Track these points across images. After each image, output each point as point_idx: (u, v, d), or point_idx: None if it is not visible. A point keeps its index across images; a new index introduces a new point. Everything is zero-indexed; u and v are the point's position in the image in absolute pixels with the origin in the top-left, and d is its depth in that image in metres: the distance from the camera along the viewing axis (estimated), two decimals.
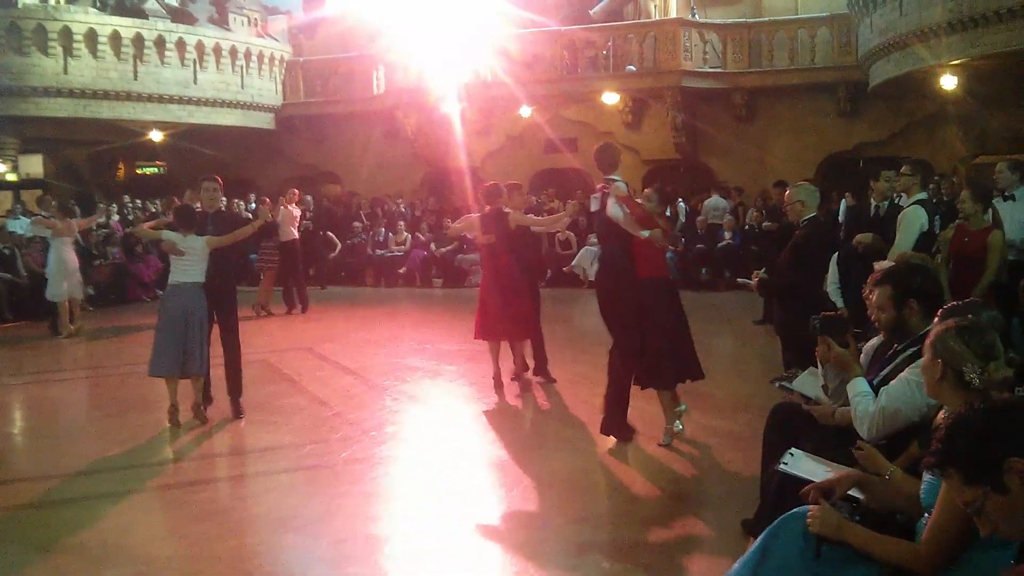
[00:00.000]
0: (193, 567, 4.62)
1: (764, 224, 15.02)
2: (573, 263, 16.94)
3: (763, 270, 6.87)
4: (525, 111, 18.76)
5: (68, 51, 16.95)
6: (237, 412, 7.56)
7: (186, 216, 7.50)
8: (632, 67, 17.89)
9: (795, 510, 3.03)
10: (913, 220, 6.64)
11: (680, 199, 17.69)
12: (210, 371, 7.59)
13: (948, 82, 14.45)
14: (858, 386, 3.65)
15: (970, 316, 3.22)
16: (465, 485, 5.90)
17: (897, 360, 3.77)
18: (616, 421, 6.59)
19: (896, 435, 3.54)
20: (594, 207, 7.09)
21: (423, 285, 17.95)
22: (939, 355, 2.91)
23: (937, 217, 7.21)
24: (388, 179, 20.77)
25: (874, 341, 4.19)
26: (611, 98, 18.37)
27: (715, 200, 17.40)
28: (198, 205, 8.26)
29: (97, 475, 6.26)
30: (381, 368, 9.64)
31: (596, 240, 16.58)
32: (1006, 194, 7.59)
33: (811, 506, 2.92)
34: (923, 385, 3.09)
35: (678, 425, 6.62)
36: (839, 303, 7.42)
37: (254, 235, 8.59)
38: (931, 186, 12.70)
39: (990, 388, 2.83)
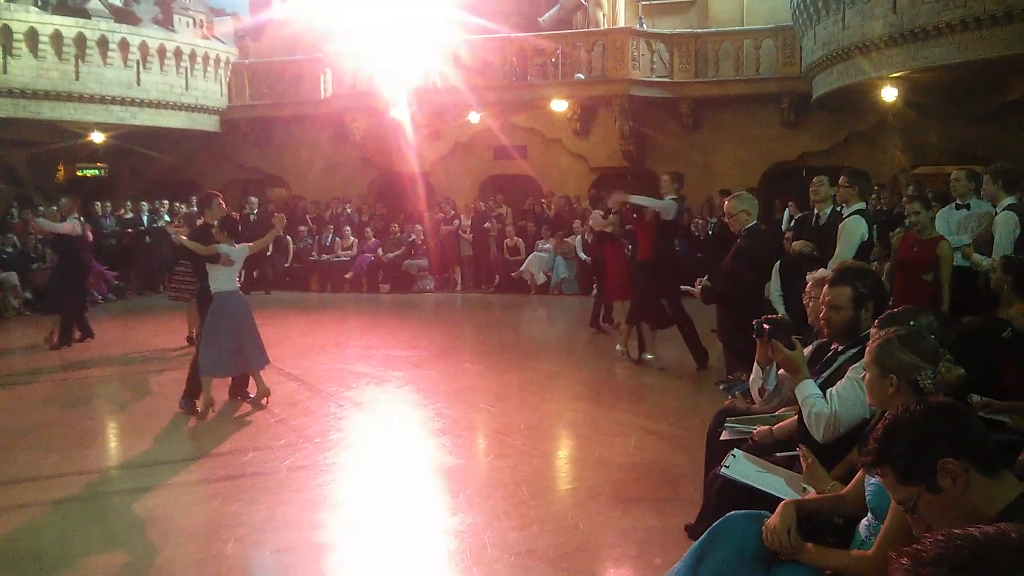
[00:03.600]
0: None
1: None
2: (521, 268, 16.98)
3: (706, 277, 6.96)
4: (474, 117, 18.74)
5: (8, 50, 16.49)
6: None
7: (232, 227, 8.12)
8: (581, 75, 17.98)
9: (734, 512, 3.06)
10: (854, 230, 6.74)
11: None
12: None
13: (889, 94, 14.74)
14: (808, 388, 3.67)
15: (911, 323, 3.27)
16: (410, 492, 5.88)
17: (839, 361, 3.82)
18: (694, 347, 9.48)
19: (836, 442, 3.59)
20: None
21: (370, 290, 17.84)
22: (889, 369, 2.92)
23: (874, 227, 7.33)
24: (336, 183, 20.59)
25: (809, 348, 4.24)
26: (560, 105, 18.44)
27: None
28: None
29: (33, 483, 6.12)
30: (326, 374, 9.57)
31: (545, 247, 16.77)
32: (959, 203, 7.73)
33: (767, 520, 2.94)
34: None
35: (649, 356, 9.76)
36: (781, 310, 7.53)
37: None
38: (873, 196, 13.00)
39: (945, 389, 2.87)
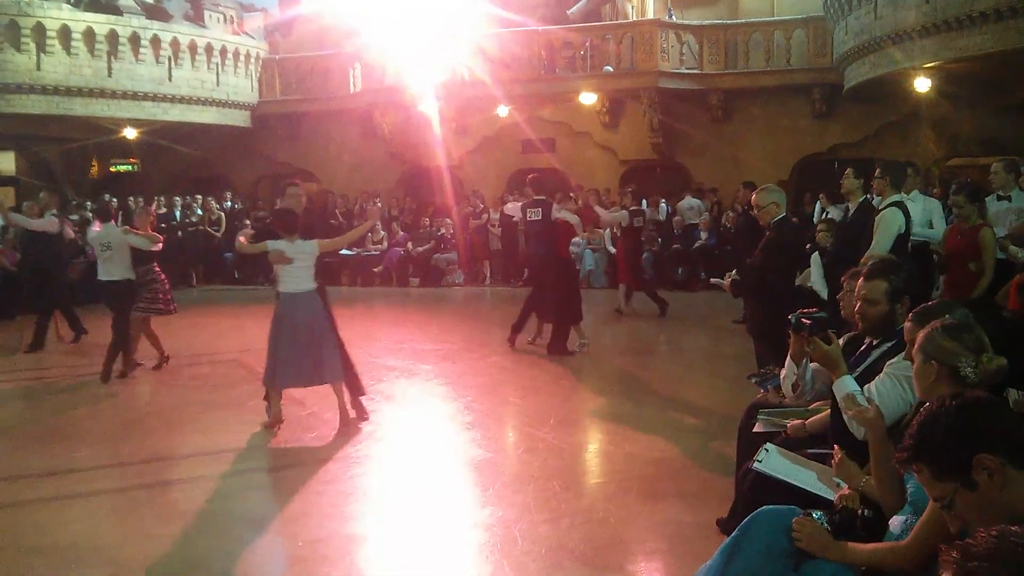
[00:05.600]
0: (166, 568, 4.58)
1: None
2: None
3: (735, 271, 6.91)
4: (502, 110, 18.73)
5: (41, 47, 16.73)
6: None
7: (288, 221, 7.09)
8: (609, 67, 17.92)
9: (766, 507, 3.03)
10: (891, 222, 6.66)
11: (664, 199, 17.83)
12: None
13: (922, 84, 14.57)
14: (847, 385, 3.59)
15: (946, 315, 3.23)
16: (441, 484, 5.90)
17: (873, 356, 3.77)
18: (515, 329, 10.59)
19: None
20: (532, 216, 10.23)
21: (399, 284, 17.90)
22: (932, 357, 2.89)
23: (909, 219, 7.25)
24: (364, 177, 20.68)
25: (841, 340, 4.19)
26: (588, 98, 18.38)
27: (688, 200, 17.53)
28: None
29: (66, 475, 6.19)
30: (356, 367, 9.58)
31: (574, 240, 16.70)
32: (1000, 194, 7.63)
33: (795, 519, 2.91)
34: (912, 385, 3.08)
35: (583, 343, 10.18)
36: (824, 295, 7.46)
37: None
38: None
39: (986, 380, 2.84)
